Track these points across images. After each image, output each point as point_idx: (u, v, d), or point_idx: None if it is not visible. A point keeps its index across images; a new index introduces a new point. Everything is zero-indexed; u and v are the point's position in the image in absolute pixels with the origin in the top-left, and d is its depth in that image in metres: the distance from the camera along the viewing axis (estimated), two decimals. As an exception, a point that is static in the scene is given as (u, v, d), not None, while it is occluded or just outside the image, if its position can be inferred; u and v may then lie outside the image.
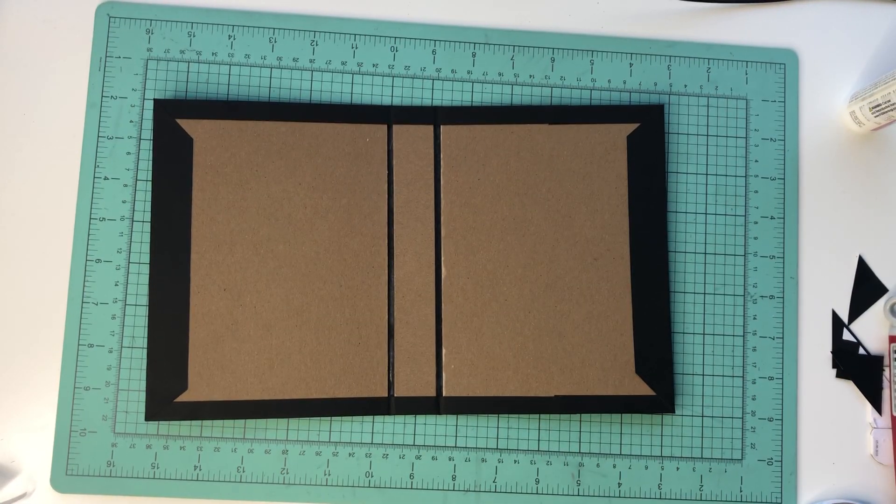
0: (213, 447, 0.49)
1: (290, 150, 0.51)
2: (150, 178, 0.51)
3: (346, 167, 0.51)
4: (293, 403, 0.49)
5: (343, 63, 0.53)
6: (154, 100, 0.51)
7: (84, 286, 0.50)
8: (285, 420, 0.50)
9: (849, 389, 0.52)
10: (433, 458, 0.50)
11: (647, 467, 0.50)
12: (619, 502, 0.50)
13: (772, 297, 0.52)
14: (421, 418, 0.50)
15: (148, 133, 0.51)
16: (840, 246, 0.53)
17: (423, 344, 0.50)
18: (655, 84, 0.53)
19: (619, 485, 0.50)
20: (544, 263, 0.51)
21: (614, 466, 0.50)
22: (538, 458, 0.50)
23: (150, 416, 0.49)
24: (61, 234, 0.51)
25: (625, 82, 0.53)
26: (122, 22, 0.52)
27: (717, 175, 0.53)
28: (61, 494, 0.49)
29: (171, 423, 0.49)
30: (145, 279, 0.50)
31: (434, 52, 0.53)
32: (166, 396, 0.49)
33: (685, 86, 0.53)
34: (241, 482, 0.49)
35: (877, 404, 0.51)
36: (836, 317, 0.52)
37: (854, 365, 0.52)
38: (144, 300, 0.50)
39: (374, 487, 0.49)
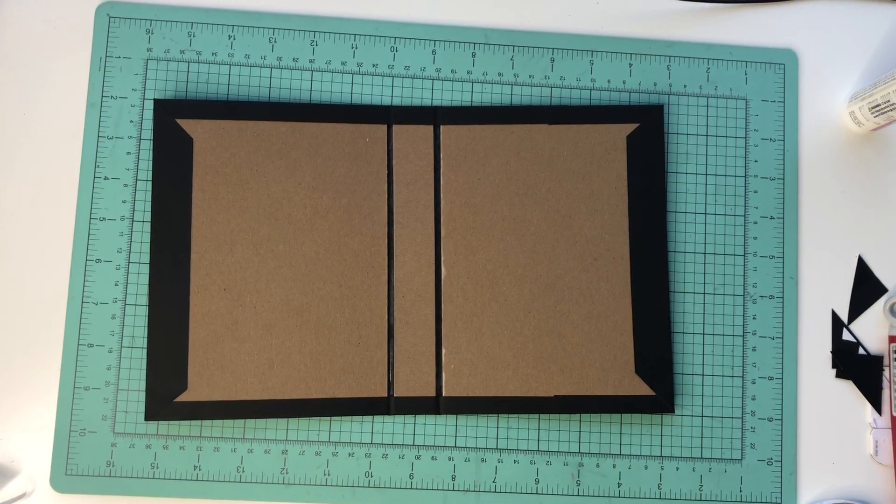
0: (213, 447, 0.49)
1: (290, 150, 0.51)
2: (150, 178, 0.51)
3: (346, 167, 0.51)
4: (293, 403, 0.49)
5: (343, 63, 0.53)
6: (154, 100, 0.51)
7: (84, 286, 0.50)
8: (285, 420, 0.50)
9: (849, 389, 0.52)
10: (433, 458, 0.50)
11: (646, 467, 0.50)
12: (619, 502, 0.50)
13: (771, 297, 0.52)
14: (421, 418, 0.50)
15: (148, 133, 0.51)
16: (840, 246, 0.53)
17: (422, 344, 0.50)
18: (655, 84, 0.53)
19: (619, 485, 0.50)
20: (544, 263, 0.51)
21: (614, 466, 0.50)
22: (538, 458, 0.50)
23: (149, 416, 0.49)
24: (61, 234, 0.51)
25: (624, 82, 0.53)
26: (122, 22, 0.52)
27: (716, 175, 0.53)
28: (61, 494, 0.49)
29: (171, 423, 0.49)
30: (145, 279, 0.50)
31: (434, 52, 0.53)
32: (166, 396, 0.49)
33: (685, 86, 0.53)
34: (240, 482, 0.49)
35: (877, 404, 0.51)
36: (835, 317, 0.52)
37: (854, 365, 0.52)
38: (144, 300, 0.50)
39: (374, 487, 0.49)
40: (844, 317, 0.52)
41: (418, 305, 0.50)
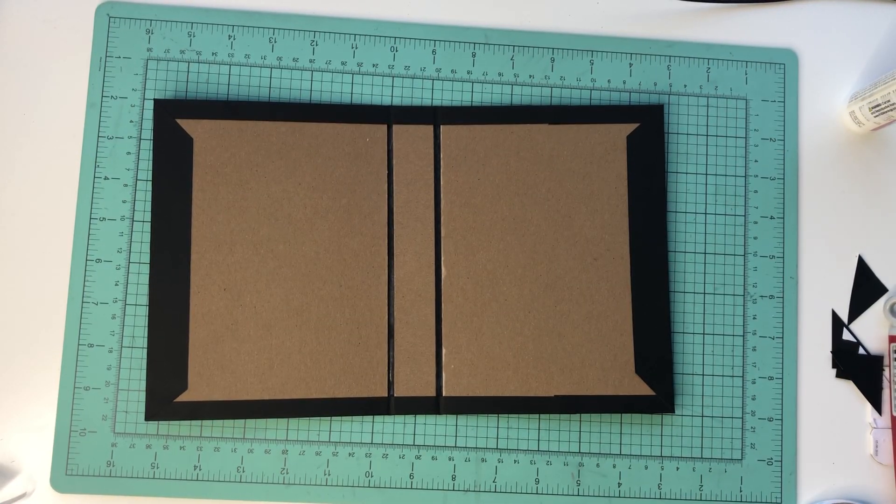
0: (213, 447, 0.49)
1: (290, 150, 0.51)
2: (150, 178, 0.51)
3: (346, 167, 0.51)
4: (293, 403, 0.49)
5: (343, 63, 0.53)
6: (154, 100, 0.51)
7: (84, 286, 0.50)
8: (285, 420, 0.50)
9: (849, 389, 0.52)
10: (433, 458, 0.50)
11: (646, 467, 0.50)
12: (619, 502, 0.50)
13: (772, 296, 0.52)
14: (421, 418, 0.50)
15: (148, 133, 0.51)
16: (840, 246, 0.53)
17: (422, 344, 0.50)
18: (655, 84, 0.53)
19: (619, 485, 0.50)
20: (544, 263, 0.51)
21: (614, 466, 0.50)
22: (538, 458, 0.50)
23: (149, 416, 0.49)
24: (61, 234, 0.51)
25: (625, 82, 0.53)
26: (122, 22, 0.52)
27: (716, 175, 0.53)
28: (61, 494, 0.49)
29: (171, 423, 0.49)
30: (145, 279, 0.50)
31: (434, 52, 0.53)
32: (166, 396, 0.49)
33: (685, 86, 0.53)
34: (240, 482, 0.49)
35: (877, 404, 0.51)
36: (835, 317, 0.52)
37: (854, 365, 0.52)
38: (144, 300, 0.50)
39: (374, 487, 0.50)
40: (844, 317, 0.52)
41: (418, 305, 0.50)
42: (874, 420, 0.51)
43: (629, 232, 0.51)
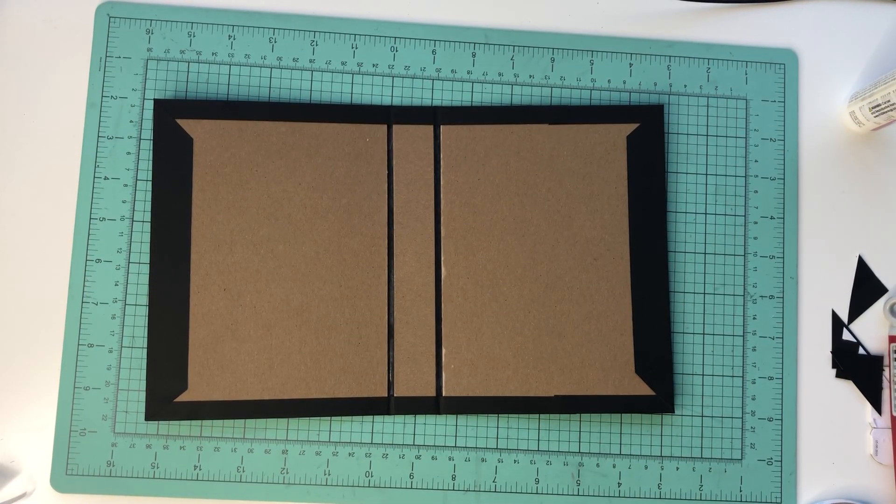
0: (213, 447, 0.49)
1: (290, 150, 0.51)
2: (150, 178, 0.51)
3: (346, 167, 0.51)
4: (293, 403, 0.49)
5: (343, 63, 0.53)
6: (154, 100, 0.51)
7: (84, 286, 0.50)
8: (285, 420, 0.50)
9: (849, 389, 0.52)
10: (433, 457, 0.50)
11: (646, 467, 0.50)
12: (619, 502, 0.50)
13: (772, 297, 0.52)
14: (421, 418, 0.50)
15: (148, 133, 0.51)
16: (840, 246, 0.53)
17: (422, 344, 0.50)
18: (655, 84, 0.53)
19: (619, 485, 0.50)
20: (544, 263, 0.51)
21: (614, 466, 0.50)
22: (538, 458, 0.50)
23: (150, 416, 0.49)
24: (61, 234, 0.51)
25: (625, 82, 0.53)
26: (122, 22, 0.52)
27: (716, 175, 0.53)
28: (61, 494, 0.49)
29: (171, 423, 0.49)
30: (145, 279, 0.50)
31: (434, 52, 0.53)
32: (166, 396, 0.49)
33: (685, 86, 0.53)
34: (240, 482, 0.49)
35: (876, 404, 0.51)
36: (835, 317, 0.52)
37: (854, 365, 0.52)
38: (144, 300, 0.50)
39: (374, 487, 0.50)
40: (844, 317, 0.52)
41: (418, 305, 0.50)
42: (874, 420, 0.51)
43: (629, 232, 0.51)
